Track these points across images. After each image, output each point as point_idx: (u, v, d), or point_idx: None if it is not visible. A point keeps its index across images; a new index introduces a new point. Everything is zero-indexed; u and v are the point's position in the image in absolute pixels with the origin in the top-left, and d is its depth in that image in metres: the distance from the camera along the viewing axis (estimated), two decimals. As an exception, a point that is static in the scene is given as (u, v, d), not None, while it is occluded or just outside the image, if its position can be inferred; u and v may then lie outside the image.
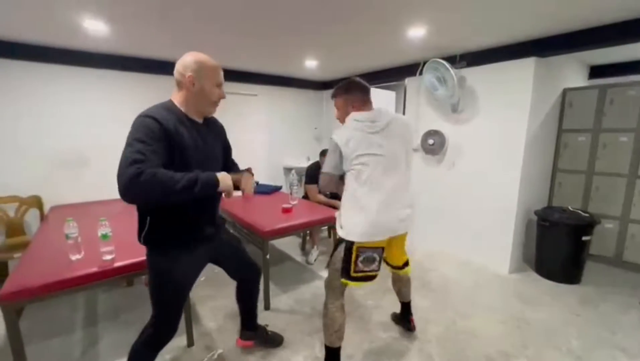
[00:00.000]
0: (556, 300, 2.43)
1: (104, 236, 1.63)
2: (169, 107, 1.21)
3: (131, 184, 0.99)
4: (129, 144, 1.06)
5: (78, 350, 1.87)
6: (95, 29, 2.25)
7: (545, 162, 3.10)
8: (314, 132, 4.82)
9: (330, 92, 4.69)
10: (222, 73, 1.29)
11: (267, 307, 2.28)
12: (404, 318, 2.03)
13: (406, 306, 2.02)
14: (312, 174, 3.29)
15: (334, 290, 1.59)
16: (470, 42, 2.64)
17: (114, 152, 3.11)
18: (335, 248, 1.60)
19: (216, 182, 1.19)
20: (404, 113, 3.63)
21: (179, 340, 1.90)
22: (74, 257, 1.65)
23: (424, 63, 3.06)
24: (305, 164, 4.34)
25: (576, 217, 2.59)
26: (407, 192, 1.58)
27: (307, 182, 3.32)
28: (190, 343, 1.90)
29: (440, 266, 3.01)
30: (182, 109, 1.23)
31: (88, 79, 2.94)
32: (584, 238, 2.54)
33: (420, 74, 3.17)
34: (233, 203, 2.83)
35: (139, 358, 1.36)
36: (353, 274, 1.52)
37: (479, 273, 2.86)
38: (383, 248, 1.57)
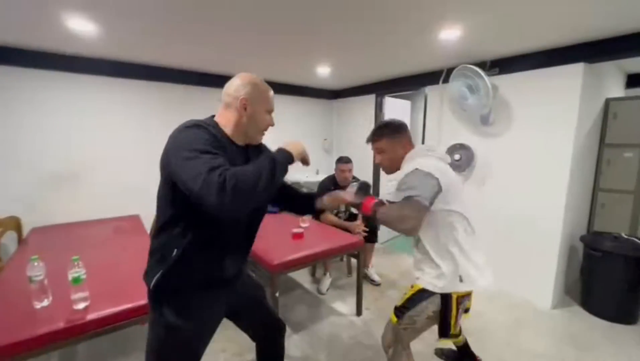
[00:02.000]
0: (614, 343, 2.06)
1: (76, 280, 1.31)
2: (212, 124, 1.04)
3: (222, 196, 0.80)
4: (188, 158, 0.86)
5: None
6: (82, 29, 1.97)
7: (586, 180, 2.76)
8: (323, 144, 4.51)
9: (341, 101, 4.39)
10: (273, 98, 1.15)
11: (275, 354, 1.92)
12: (470, 356, 1.81)
13: (466, 345, 1.81)
14: (325, 189, 2.97)
15: (405, 348, 1.42)
16: (504, 47, 2.33)
17: (104, 166, 2.87)
18: (412, 300, 1.39)
19: (290, 156, 1.02)
20: (424, 125, 3.32)
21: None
22: (39, 304, 1.32)
23: (448, 70, 2.77)
24: (314, 178, 4.02)
25: (634, 246, 2.23)
26: None
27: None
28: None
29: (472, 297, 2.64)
30: (226, 130, 1.06)
31: (75, 85, 2.65)
32: (643, 271, 2.19)
33: (445, 81, 2.87)
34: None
35: None
36: (454, 331, 1.35)
37: (517, 308, 2.49)
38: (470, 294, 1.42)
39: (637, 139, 2.65)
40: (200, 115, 1.09)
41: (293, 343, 2.05)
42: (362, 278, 2.65)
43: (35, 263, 1.31)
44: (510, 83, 2.57)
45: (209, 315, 1.11)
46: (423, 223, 1.22)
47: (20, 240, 2.36)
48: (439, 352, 1.96)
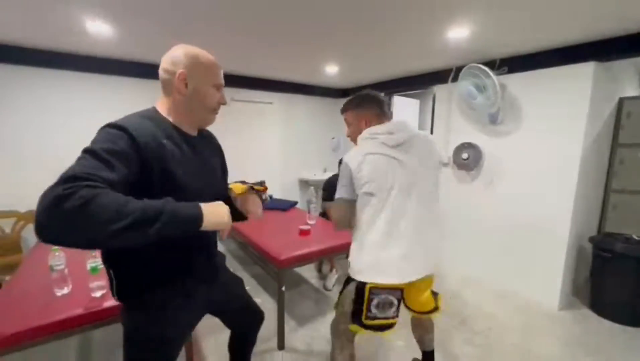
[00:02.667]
0: (628, 348, 2.03)
1: (94, 269, 1.39)
2: (151, 116, 0.91)
3: (49, 211, 0.61)
4: (78, 158, 0.74)
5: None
6: (94, 30, 2.05)
7: (597, 180, 2.72)
8: (331, 142, 4.55)
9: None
10: (221, 71, 1.00)
11: (281, 346, 1.98)
12: None
13: (429, 357, 1.67)
14: (332, 189, 3.01)
15: (339, 336, 1.39)
16: (514, 46, 2.32)
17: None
18: (344, 286, 1.39)
19: (198, 216, 0.77)
20: (432, 124, 3.32)
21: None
22: (59, 292, 1.41)
23: (457, 69, 2.76)
24: (321, 176, 4.07)
25: (645, 248, 2.20)
26: (435, 225, 1.35)
27: (324, 198, 3.04)
28: (192, 391, 1.62)
29: (478, 298, 2.64)
30: (170, 119, 0.94)
31: (89, 86, 2.76)
32: (654, 273, 2.15)
33: (453, 80, 2.87)
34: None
35: None
36: (365, 321, 1.28)
37: (524, 309, 2.47)
38: (402, 291, 1.33)
39: (652, 139, 2.59)
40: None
41: (298, 337, 2.10)
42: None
43: (57, 253, 1.39)
44: (519, 82, 2.55)
45: (184, 318, 1.02)
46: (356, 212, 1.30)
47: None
48: None
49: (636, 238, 2.32)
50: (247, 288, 1.37)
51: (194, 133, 1.00)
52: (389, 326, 1.32)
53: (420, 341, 1.68)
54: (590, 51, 2.16)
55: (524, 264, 2.64)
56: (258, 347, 1.93)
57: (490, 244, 2.86)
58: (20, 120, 2.49)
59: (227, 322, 1.32)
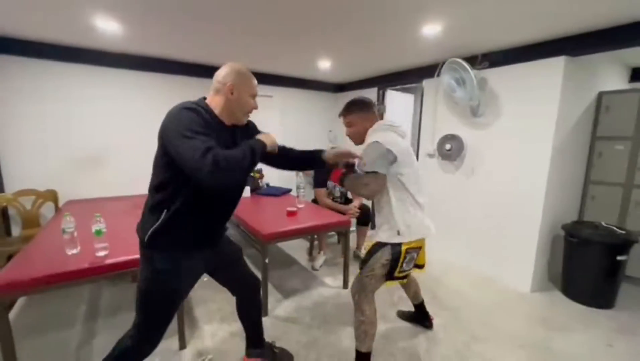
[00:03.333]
0: (586, 326, 2.17)
1: (98, 232, 1.62)
2: (202, 105, 1.20)
3: (214, 173, 1.01)
4: (186, 137, 1.04)
5: (72, 347, 1.86)
6: (109, 29, 2.29)
7: (575, 172, 2.83)
8: (328, 135, 4.73)
9: (345, 94, 4.57)
10: (256, 84, 1.33)
11: (265, 313, 2.19)
12: (424, 317, 2.10)
13: (422, 306, 2.09)
14: (321, 178, 3.20)
15: (367, 295, 1.62)
16: (492, 41, 2.46)
17: (128, 150, 3.25)
18: (371, 255, 1.61)
19: (264, 145, 1.25)
20: (420, 117, 3.46)
21: (170, 342, 1.85)
22: (70, 252, 1.65)
23: (443, 64, 2.90)
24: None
25: (610, 234, 2.32)
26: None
27: (315, 185, 3.24)
28: (182, 345, 1.85)
29: (454, 280, 2.80)
30: (216, 112, 1.24)
31: (105, 78, 3.02)
32: (619, 257, 2.27)
33: (439, 75, 3.01)
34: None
35: None
36: (397, 274, 1.60)
37: (497, 290, 2.63)
38: (421, 248, 1.67)
39: (629, 132, 2.68)
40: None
41: (282, 307, 2.31)
42: (354, 258, 2.96)
43: (68, 218, 1.63)
44: (498, 76, 2.68)
45: (191, 268, 1.27)
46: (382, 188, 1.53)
47: (57, 210, 2.76)
48: (400, 313, 2.22)
49: (604, 225, 2.43)
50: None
51: (228, 123, 1.29)
52: (406, 277, 1.70)
53: (415, 295, 2.06)
54: (561, 47, 2.28)
55: (501, 250, 2.78)
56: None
57: (471, 232, 3.01)
58: (42, 109, 2.77)
59: (226, 285, 1.57)
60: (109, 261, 1.59)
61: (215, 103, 1.25)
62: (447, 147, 2.99)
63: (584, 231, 2.38)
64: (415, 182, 1.57)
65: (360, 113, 1.67)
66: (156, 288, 1.22)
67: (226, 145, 1.18)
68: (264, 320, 2.12)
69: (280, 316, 2.20)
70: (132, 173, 3.22)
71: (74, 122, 2.93)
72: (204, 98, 1.27)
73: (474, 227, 2.98)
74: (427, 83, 3.35)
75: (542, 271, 2.69)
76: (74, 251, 1.66)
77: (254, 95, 1.31)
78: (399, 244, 1.55)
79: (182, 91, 3.44)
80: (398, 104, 4.17)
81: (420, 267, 1.81)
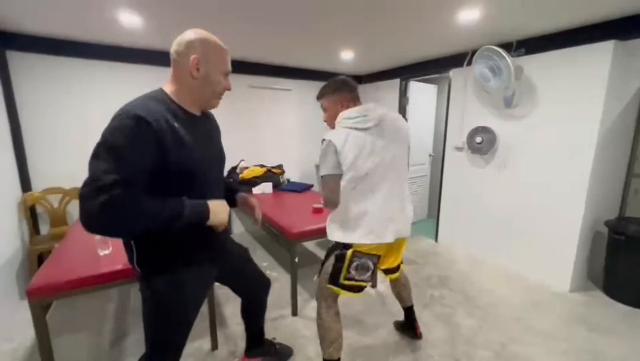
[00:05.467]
0: (634, 330, 2.04)
1: (130, 233, 1.59)
2: (158, 97, 0.97)
3: (99, 217, 0.78)
4: (98, 153, 0.82)
5: (105, 345, 1.86)
6: (131, 23, 2.24)
7: (618, 165, 2.65)
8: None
9: (363, 86, 4.46)
10: (229, 59, 1.06)
11: (294, 313, 2.15)
12: (410, 325, 1.88)
13: (409, 312, 1.87)
14: None
15: (325, 297, 1.51)
16: (529, 26, 2.29)
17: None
18: (327, 256, 1.51)
19: (206, 216, 0.98)
20: (447, 108, 3.32)
21: (202, 343, 1.83)
22: (102, 252, 1.63)
23: (473, 52, 2.75)
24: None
25: (661, 231, 2.16)
26: (405, 193, 1.51)
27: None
28: (214, 346, 1.83)
29: (487, 279, 2.70)
30: (176, 99, 1.00)
31: (128, 74, 2.99)
32: (670, 257, 2.12)
33: (469, 64, 2.86)
34: (261, 199, 2.73)
35: None
36: (343, 281, 1.43)
37: (534, 290, 2.51)
38: (379, 257, 1.46)
39: (679, 121, 2.49)
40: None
41: (311, 307, 2.26)
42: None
43: (99, 219, 1.60)
44: (536, 64, 2.51)
45: (199, 282, 1.11)
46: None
47: (83, 208, 2.77)
48: (396, 325, 2.02)
49: (653, 222, 2.28)
50: (264, 264, 1.52)
51: (198, 113, 1.07)
52: (361, 289, 1.49)
53: (400, 297, 1.85)
54: (610, 30, 2.10)
55: (536, 247, 2.65)
56: (273, 313, 2.13)
57: (503, 227, 2.88)
58: (66, 107, 2.76)
59: (237, 289, 1.46)
60: (142, 262, 1.55)
61: (175, 86, 1.00)
62: (478, 139, 2.85)
63: (631, 228, 2.23)
64: (375, 178, 1.37)
65: (331, 97, 1.51)
66: (165, 317, 1.04)
67: (195, 141, 0.98)
68: (294, 319, 2.10)
69: (310, 316, 2.15)
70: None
71: (97, 119, 2.90)
72: (161, 88, 1.02)
73: (506, 223, 2.85)
74: (454, 73, 3.19)
75: (582, 269, 2.55)
76: (106, 251, 1.63)
77: (226, 73, 1.05)
78: (347, 246, 1.39)
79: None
80: (421, 95, 4.02)
81: (391, 271, 1.66)
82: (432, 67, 3.42)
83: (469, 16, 2.06)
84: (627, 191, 2.78)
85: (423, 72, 3.58)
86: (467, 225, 3.18)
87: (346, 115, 1.42)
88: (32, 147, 2.65)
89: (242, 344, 1.86)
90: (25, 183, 2.62)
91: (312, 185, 3.48)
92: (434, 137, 4.32)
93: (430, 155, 4.28)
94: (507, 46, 2.56)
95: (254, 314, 1.58)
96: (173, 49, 0.99)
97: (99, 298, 2.30)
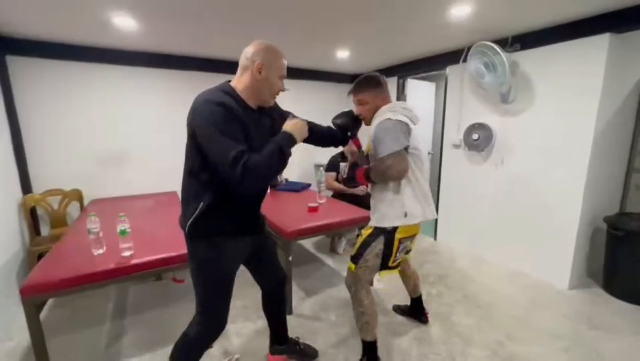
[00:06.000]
0: (635, 327, 2.01)
1: (123, 232, 1.61)
2: (228, 92, 1.15)
3: (246, 182, 1.03)
4: (215, 140, 1.05)
5: (101, 345, 1.88)
6: (127, 26, 2.27)
7: (617, 160, 2.61)
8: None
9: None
10: (286, 65, 1.27)
11: (289, 312, 2.15)
12: (419, 311, 2.04)
13: (419, 299, 2.04)
14: (333, 162, 3.30)
15: (364, 284, 1.60)
16: (524, 21, 2.27)
17: (150, 148, 3.25)
18: (363, 246, 1.56)
19: (292, 141, 1.20)
20: (444, 105, 3.31)
21: (197, 342, 1.84)
22: (96, 252, 1.65)
23: (469, 49, 2.73)
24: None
25: (661, 227, 2.13)
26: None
27: (326, 170, 3.28)
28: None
29: (486, 277, 2.67)
30: (242, 96, 1.18)
31: (126, 76, 3.02)
32: (671, 252, 2.09)
33: (465, 61, 2.84)
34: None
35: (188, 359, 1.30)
36: (391, 263, 1.57)
37: (533, 287, 2.48)
38: (415, 235, 1.61)
39: (679, 115, 2.45)
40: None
41: (306, 305, 2.26)
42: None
43: (93, 218, 1.62)
44: (532, 59, 2.49)
45: (234, 252, 1.27)
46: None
47: (82, 209, 2.81)
48: (396, 308, 2.16)
49: (654, 217, 2.24)
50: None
51: (255, 108, 1.25)
52: (400, 264, 1.68)
53: (414, 288, 2.00)
54: (605, 23, 2.08)
55: (535, 244, 2.62)
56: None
57: (501, 224, 2.86)
58: (64, 109, 2.80)
59: (258, 274, 1.55)
60: (134, 261, 1.57)
61: (242, 84, 1.20)
62: (475, 136, 2.83)
63: (631, 223, 2.20)
64: (422, 164, 1.55)
65: (372, 91, 1.57)
66: (212, 276, 1.24)
67: (256, 130, 1.18)
68: (289, 318, 2.09)
69: (305, 314, 2.15)
70: (155, 170, 3.24)
71: (96, 121, 2.95)
72: (229, 81, 1.22)
73: (504, 220, 2.83)
74: (451, 70, 3.18)
75: (581, 266, 2.52)
76: (100, 251, 1.65)
77: (282, 77, 1.25)
78: (393, 232, 1.50)
79: (202, 87, 3.38)
80: (419, 93, 4.01)
81: (407, 252, 1.76)
82: (429, 65, 3.40)
83: (460, 11, 2.04)
84: (627, 186, 2.74)
85: (420, 70, 3.57)
86: (466, 223, 3.16)
87: (402, 105, 1.53)
88: (33, 150, 2.69)
89: (236, 342, 1.88)
90: (26, 185, 2.66)
91: (309, 185, 3.48)
92: (432, 134, 4.30)
93: (429, 153, 4.26)
94: (502, 42, 2.55)
95: (272, 307, 1.64)
96: (243, 55, 1.20)
97: (97, 297, 2.32)
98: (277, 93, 1.27)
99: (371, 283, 1.70)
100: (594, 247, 2.56)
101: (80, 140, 2.90)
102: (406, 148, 1.45)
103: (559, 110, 2.38)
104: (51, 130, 2.77)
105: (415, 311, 2.05)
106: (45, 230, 2.80)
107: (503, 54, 2.35)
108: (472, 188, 3.06)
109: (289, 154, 1.17)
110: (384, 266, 1.57)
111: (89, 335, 1.96)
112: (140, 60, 3.01)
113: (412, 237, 1.59)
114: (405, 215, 1.48)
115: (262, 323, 2.03)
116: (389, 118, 1.43)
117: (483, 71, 2.50)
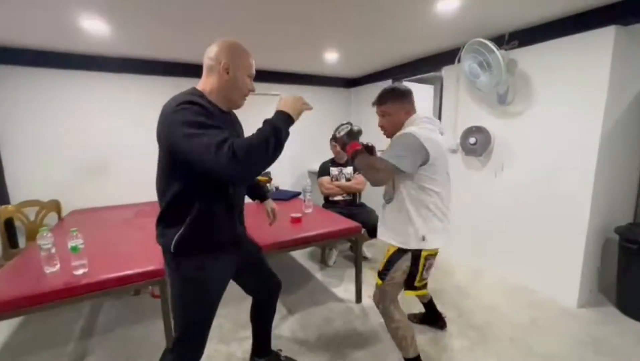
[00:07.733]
0: (650, 351, 1.78)
1: (74, 248, 1.48)
2: (197, 94, 1.07)
3: (233, 167, 0.89)
4: (192, 136, 0.92)
5: (62, 367, 1.74)
6: (100, 31, 2.18)
7: (629, 163, 2.39)
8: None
9: (358, 88, 4.32)
10: (254, 63, 1.18)
11: (267, 331, 1.98)
12: (436, 316, 1.98)
13: (431, 303, 1.98)
14: (324, 168, 3.18)
15: (392, 300, 1.55)
16: (522, 16, 2.10)
17: (130, 157, 3.15)
18: (390, 262, 1.52)
19: (288, 118, 1.07)
20: (440, 108, 3.13)
21: None
22: (48, 270, 1.52)
23: (464, 47, 2.57)
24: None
25: (680, 239, 1.90)
26: None
27: (318, 176, 3.14)
28: None
29: (485, 292, 2.46)
30: (210, 98, 1.10)
31: (104, 84, 2.95)
32: (692, 268, 1.86)
33: (459, 60, 2.67)
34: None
35: None
36: (417, 284, 1.51)
37: (536, 304, 2.26)
38: (437, 254, 1.54)
39: (697, 114, 2.22)
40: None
41: (287, 324, 2.09)
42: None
43: (44, 234, 1.49)
44: (531, 56, 2.31)
45: (220, 270, 1.19)
46: (407, 185, 1.40)
47: (60, 220, 2.71)
48: (412, 317, 2.05)
49: (671, 228, 2.01)
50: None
51: (227, 111, 1.19)
52: (426, 286, 1.58)
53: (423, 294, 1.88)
54: (610, 14, 1.89)
55: (539, 257, 2.40)
56: (240, 333, 1.97)
57: (501, 235, 2.65)
58: (40, 120, 2.73)
59: (249, 285, 1.48)
60: (86, 281, 1.44)
61: (209, 86, 1.11)
62: (472, 140, 2.64)
63: (645, 235, 1.98)
64: (444, 186, 1.45)
65: (396, 103, 1.51)
66: (194, 299, 1.14)
67: (233, 133, 1.12)
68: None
69: (282, 335, 1.98)
70: (135, 180, 3.13)
71: (75, 130, 2.87)
72: (194, 87, 1.12)
73: (505, 229, 2.62)
74: (446, 70, 3.01)
75: (592, 282, 2.29)
76: (53, 269, 1.53)
77: (251, 76, 1.17)
78: (419, 251, 1.44)
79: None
80: (416, 97, 3.83)
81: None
82: (425, 66, 3.24)
83: (447, 6, 1.89)
84: (641, 193, 2.51)
85: (415, 71, 3.41)
86: (464, 233, 2.95)
87: (427, 118, 1.49)
88: (8, 159, 2.61)
89: (223, 349, 1.79)
90: (2, 197, 2.58)
91: (299, 193, 3.33)
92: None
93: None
94: (499, 39, 2.38)
95: (263, 317, 1.57)
96: (207, 55, 1.11)
97: (67, 313, 2.20)
98: (247, 94, 1.19)
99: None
100: (606, 259, 2.33)
101: (59, 150, 2.82)
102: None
103: (562, 110, 2.18)
104: (31, 138, 2.70)
105: (431, 317, 2.00)
106: (23, 242, 2.71)
107: (498, 52, 2.18)
108: (470, 196, 2.86)
109: (287, 134, 1.03)
110: (410, 286, 1.51)
111: (51, 357, 1.83)
112: (119, 66, 2.94)
113: (435, 255, 1.53)
114: (424, 238, 1.43)
115: (236, 345, 1.88)
116: (412, 133, 1.36)
117: (477, 71, 2.33)
